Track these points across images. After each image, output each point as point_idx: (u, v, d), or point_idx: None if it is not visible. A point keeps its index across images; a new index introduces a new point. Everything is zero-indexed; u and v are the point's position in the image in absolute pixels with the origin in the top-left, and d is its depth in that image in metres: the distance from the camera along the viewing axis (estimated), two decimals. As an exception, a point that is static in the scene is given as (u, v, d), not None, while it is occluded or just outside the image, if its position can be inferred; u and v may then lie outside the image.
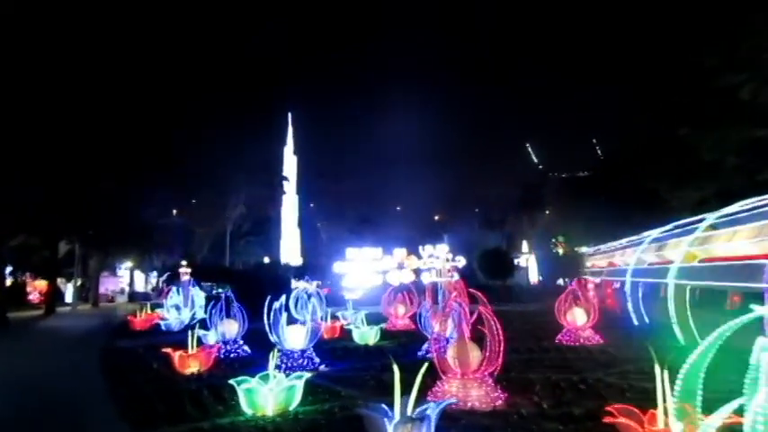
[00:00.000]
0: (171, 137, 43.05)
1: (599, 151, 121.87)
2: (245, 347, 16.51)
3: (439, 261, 36.92)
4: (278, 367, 10.22)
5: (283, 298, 13.55)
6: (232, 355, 15.88)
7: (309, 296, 16.44)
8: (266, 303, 13.46)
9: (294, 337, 13.43)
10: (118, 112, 35.83)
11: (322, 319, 17.90)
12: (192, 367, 13.39)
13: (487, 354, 9.71)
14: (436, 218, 76.84)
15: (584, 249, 63.82)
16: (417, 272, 37.72)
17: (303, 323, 14.31)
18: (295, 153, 66.56)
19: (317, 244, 65.95)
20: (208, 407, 9.93)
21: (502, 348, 9.86)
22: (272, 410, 9.27)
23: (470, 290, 10.70)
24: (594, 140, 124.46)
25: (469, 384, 9.69)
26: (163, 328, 24.58)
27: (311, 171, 65.23)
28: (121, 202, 38.95)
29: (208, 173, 58.16)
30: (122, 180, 37.58)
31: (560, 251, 64.56)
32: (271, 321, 13.43)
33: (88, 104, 33.56)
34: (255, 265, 55.36)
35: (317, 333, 14.05)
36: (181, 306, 26.71)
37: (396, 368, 7.48)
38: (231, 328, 16.54)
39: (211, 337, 16.72)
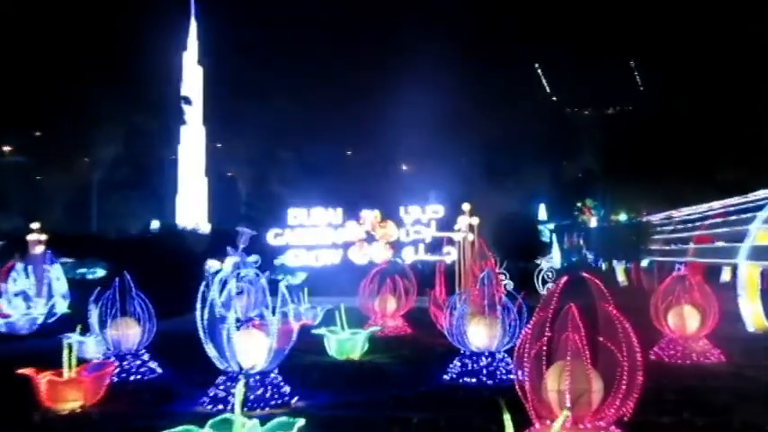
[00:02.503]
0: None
1: (638, 79, 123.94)
2: (152, 364, 15.09)
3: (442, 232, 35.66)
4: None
5: (233, 284, 11.71)
6: (133, 378, 14.44)
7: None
8: (200, 292, 11.63)
9: (250, 351, 11.57)
10: None
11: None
12: (73, 401, 11.64)
13: (623, 387, 8.17)
14: (405, 167, 75.80)
15: (621, 217, 65.26)
16: (396, 246, 36.19)
17: (250, 323, 12.91)
18: (200, 63, 63.50)
19: (235, 202, 64.17)
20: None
21: (642, 377, 8.40)
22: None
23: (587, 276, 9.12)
24: (633, 63, 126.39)
25: (588, 439, 8.19)
26: (3, 329, 23.24)
27: (225, 91, 61.90)
28: None
29: (61, 88, 54.87)
30: None
31: (591, 220, 65.24)
32: (204, 323, 11.63)
33: None
34: (144, 234, 52.99)
35: (287, 343, 12.18)
36: (31, 295, 24.97)
37: (507, 416, 5.86)
38: (129, 332, 14.97)
39: (91, 347, 15.65)
